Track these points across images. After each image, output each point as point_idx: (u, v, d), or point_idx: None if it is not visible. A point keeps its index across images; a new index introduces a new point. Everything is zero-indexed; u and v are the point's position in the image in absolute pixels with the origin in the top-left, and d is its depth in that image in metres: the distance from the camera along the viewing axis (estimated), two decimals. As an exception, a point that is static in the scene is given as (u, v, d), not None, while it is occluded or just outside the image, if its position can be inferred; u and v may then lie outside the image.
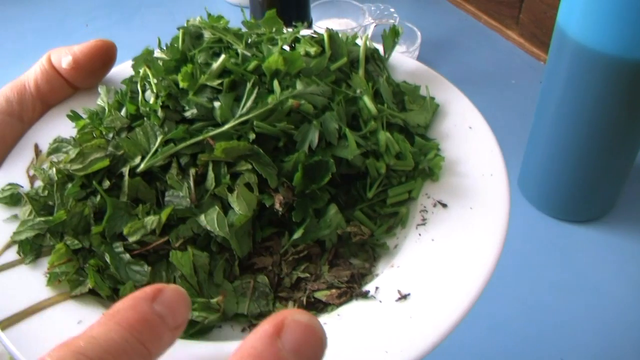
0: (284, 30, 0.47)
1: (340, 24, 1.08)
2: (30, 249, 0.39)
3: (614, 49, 0.61)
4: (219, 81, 0.40)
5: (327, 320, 0.35)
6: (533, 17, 1.05)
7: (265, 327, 0.26)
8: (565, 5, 0.65)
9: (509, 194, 0.40)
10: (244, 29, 0.47)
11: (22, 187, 0.42)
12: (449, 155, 0.42)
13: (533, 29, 1.06)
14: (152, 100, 0.42)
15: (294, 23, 0.47)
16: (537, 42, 1.06)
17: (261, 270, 0.39)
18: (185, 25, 0.46)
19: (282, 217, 0.39)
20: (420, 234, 0.39)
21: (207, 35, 0.45)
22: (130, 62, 0.47)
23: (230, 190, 0.38)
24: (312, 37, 0.46)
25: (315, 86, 0.40)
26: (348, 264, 0.39)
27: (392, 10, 1.09)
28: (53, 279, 0.37)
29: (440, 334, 0.33)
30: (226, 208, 0.39)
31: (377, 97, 0.43)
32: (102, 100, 0.45)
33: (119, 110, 0.43)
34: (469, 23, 1.17)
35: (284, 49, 0.44)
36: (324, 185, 0.39)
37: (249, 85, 0.40)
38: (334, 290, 0.37)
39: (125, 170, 0.39)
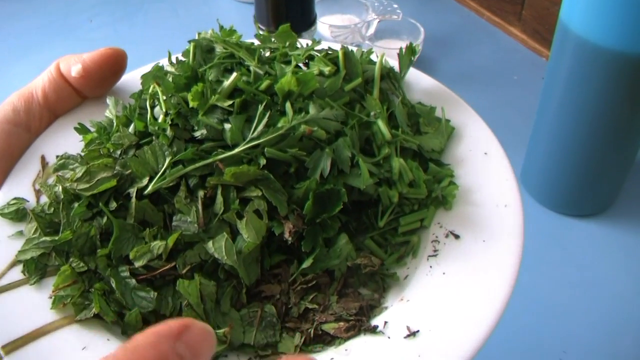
0: (298, 45, 0.46)
1: (343, 20, 1.08)
2: (35, 268, 0.38)
3: (616, 44, 0.61)
4: (230, 102, 0.39)
5: (335, 355, 0.35)
6: (535, 13, 1.05)
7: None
8: (567, 1, 0.65)
9: (523, 227, 0.39)
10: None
11: (27, 201, 0.41)
12: (463, 183, 0.41)
13: (535, 26, 1.06)
14: (161, 118, 0.41)
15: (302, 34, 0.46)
16: (539, 39, 1.07)
17: (269, 299, 0.38)
18: (197, 37, 0.45)
19: (291, 245, 0.39)
20: (431, 266, 0.38)
21: (218, 49, 0.44)
22: (139, 71, 0.46)
23: (240, 216, 0.38)
24: (327, 53, 0.45)
25: (328, 110, 0.39)
26: (357, 295, 0.39)
27: (395, 6, 1.09)
28: (58, 302, 0.37)
29: None
30: (235, 233, 0.38)
31: (391, 119, 0.42)
32: (110, 112, 0.44)
33: (127, 126, 0.42)
34: (471, 19, 1.17)
35: (299, 67, 0.43)
36: (336, 214, 0.38)
37: (260, 107, 0.39)
38: (342, 323, 0.36)
39: (133, 191, 0.39)
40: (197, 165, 0.39)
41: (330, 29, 1.04)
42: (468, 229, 0.39)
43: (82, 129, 0.43)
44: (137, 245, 0.38)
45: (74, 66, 0.45)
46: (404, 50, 0.45)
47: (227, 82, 0.41)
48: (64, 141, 0.44)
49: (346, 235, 0.39)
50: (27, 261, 0.38)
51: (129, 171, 0.39)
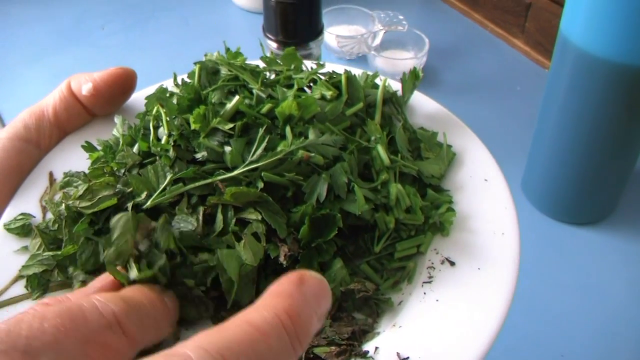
0: (303, 68, 0.46)
1: (350, 30, 1.11)
2: (38, 284, 0.39)
3: (616, 55, 0.62)
4: (231, 125, 0.40)
5: (324, 380, 0.35)
6: (538, 25, 1.06)
7: (290, 277, 0.30)
8: (568, 12, 0.66)
9: (519, 256, 0.39)
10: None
11: (34, 217, 0.42)
12: (461, 209, 0.41)
13: (538, 37, 1.07)
14: (164, 139, 0.41)
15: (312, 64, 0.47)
16: (542, 50, 1.08)
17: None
18: (204, 59, 0.45)
19: (287, 268, 0.39)
20: (425, 293, 0.38)
21: (223, 71, 0.44)
22: (146, 91, 0.47)
23: (237, 237, 0.38)
24: (332, 76, 0.45)
25: (327, 135, 0.40)
26: (351, 319, 0.39)
27: (401, 17, 1.10)
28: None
29: None
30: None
31: (392, 144, 0.43)
32: (117, 131, 0.45)
33: (132, 145, 0.43)
34: (475, 31, 1.19)
35: (301, 91, 0.43)
36: (331, 239, 0.38)
37: (260, 131, 0.40)
38: (333, 348, 0.37)
39: (129, 205, 0.39)
40: (198, 184, 0.39)
41: (337, 39, 1.05)
42: (464, 256, 0.39)
43: (88, 147, 0.44)
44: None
45: (84, 85, 0.46)
46: (407, 75, 0.46)
47: (229, 105, 0.41)
48: (72, 158, 0.45)
49: (341, 260, 0.39)
50: (30, 277, 0.39)
51: (130, 189, 0.40)
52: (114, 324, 0.25)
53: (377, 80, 0.47)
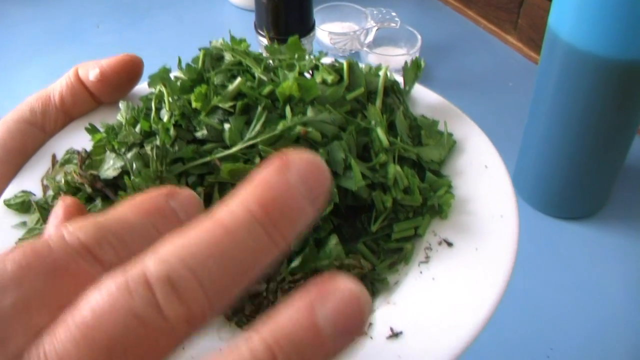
0: (306, 57, 0.47)
1: (342, 27, 1.10)
2: (34, 256, 0.39)
3: (605, 50, 0.62)
4: (231, 103, 0.40)
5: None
6: (531, 22, 1.07)
7: (273, 162, 0.25)
8: (556, 7, 0.66)
9: (517, 237, 0.38)
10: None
11: (34, 195, 0.42)
12: (460, 193, 0.41)
13: (531, 34, 1.08)
14: (165, 119, 0.42)
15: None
16: (534, 46, 1.09)
17: (256, 297, 0.38)
18: (209, 46, 0.46)
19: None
20: (421, 272, 0.38)
21: (227, 57, 0.45)
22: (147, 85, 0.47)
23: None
24: (334, 65, 0.45)
25: (326, 114, 0.40)
26: (345, 297, 0.38)
27: (393, 14, 1.11)
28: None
29: None
30: None
31: (392, 129, 0.43)
32: (121, 115, 0.46)
33: (134, 125, 0.43)
34: (468, 27, 1.20)
35: (302, 75, 0.44)
36: (327, 215, 0.38)
37: (259, 108, 0.40)
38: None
39: (129, 182, 0.39)
40: (196, 163, 0.40)
41: (330, 36, 1.06)
42: (462, 237, 0.39)
43: (92, 129, 0.45)
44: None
45: (91, 70, 0.47)
46: (409, 64, 0.46)
47: (231, 86, 0.42)
48: (76, 142, 0.46)
49: (336, 236, 0.38)
50: (27, 249, 0.39)
51: (130, 167, 0.40)
52: (83, 251, 0.23)
53: (381, 73, 0.47)
